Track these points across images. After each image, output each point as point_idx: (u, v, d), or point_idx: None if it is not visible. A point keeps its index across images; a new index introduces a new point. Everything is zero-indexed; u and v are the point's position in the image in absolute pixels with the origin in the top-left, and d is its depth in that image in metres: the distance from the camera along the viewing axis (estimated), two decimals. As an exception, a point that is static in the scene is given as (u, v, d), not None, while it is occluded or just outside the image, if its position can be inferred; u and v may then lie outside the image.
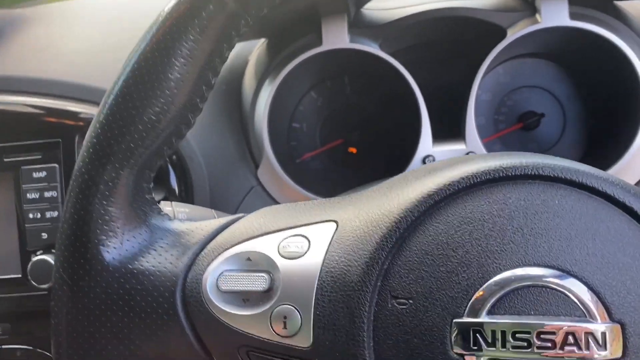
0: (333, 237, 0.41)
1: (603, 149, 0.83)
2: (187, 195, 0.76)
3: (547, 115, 0.88)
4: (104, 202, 0.41)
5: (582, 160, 0.87)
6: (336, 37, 0.80)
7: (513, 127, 0.89)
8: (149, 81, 0.41)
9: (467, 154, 0.81)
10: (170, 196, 0.75)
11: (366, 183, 0.92)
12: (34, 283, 0.69)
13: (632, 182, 0.77)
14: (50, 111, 0.74)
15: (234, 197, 0.79)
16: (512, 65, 0.88)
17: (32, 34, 0.87)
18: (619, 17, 0.79)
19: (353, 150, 0.92)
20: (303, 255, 0.41)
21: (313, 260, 0.40)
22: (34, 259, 0.69)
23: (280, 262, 0.41)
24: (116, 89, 0.41)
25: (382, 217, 0.40)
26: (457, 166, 0.41)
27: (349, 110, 0.91)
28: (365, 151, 0.92)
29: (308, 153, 0.92)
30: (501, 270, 0.36)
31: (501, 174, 0.38)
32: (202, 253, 0.43)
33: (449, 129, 0.85)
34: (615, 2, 0.82)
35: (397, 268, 0.38)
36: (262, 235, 0.43)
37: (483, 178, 0.39)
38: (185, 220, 0.60)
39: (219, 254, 0.43)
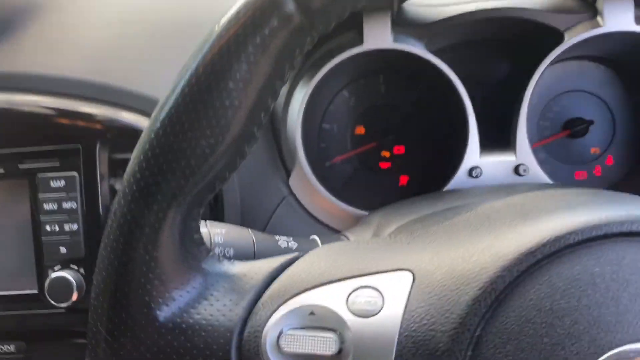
0: (410, 291, 0.36)
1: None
2: (216, 206, 0.71)
3: (596, 122, 0.82)
4: (149, 247, 0.36)
5: (631, 173, 0.82)
6: (379, 35, 0.73)
7: (560, 134, 0.83)
8: (201, 108, 0.35)
9: (518, 166, 0.75)
10: (199, 208, 0.70)
11: (402, 192, 0.87)
12: (51, 301, 0.64)
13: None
14: (66, 113, 0.68)
15: (265, 208, 0.74)
16: (560, 68, 0.82)
17: (44, 25, 0.80)
18: None
19: (386, 154, 0.86)
20: (377, 313, 0.35)
21: (390, 320, 0.35)
22: (52, 275, 0.64)
23: (351, 320, 0.36)
24: (162, 115, 0.36)
25: (472, 273, 0.34)
26: (559, 214, 0.35)
27: (384, 111, 0.85)
28: (401, 157, 0.86)
29: (339, 156, 0.86)
30: (616, 346, 0.31)
31: (615, 230, 0.33)
32: (259, 303, 0.38)
33: (496, 136, 0.79)
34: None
35: (492, 337, 0.33)
36: (326, 284, 0.38)
37: (594, 234, 0.33)
38: (224, 244, 0.55)
39: (279, 306, 0.37)
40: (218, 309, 0.37)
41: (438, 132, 0.84)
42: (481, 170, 0.75)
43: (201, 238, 0.40)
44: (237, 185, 0.70)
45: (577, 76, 0.83)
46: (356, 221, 0.73)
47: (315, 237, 0.62)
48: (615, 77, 0.81)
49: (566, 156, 0.84)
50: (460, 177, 0.76)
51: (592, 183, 0.83)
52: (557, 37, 0.73)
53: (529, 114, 0.82)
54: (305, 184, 0.76)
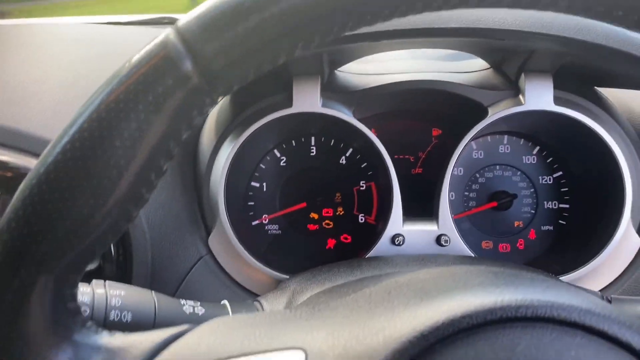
0: None
1: (578, 239, 0.79)
2: (125, 262, 0.67)
3: (520, 196, 0.84)
4: (11, 317, 0.32)
5: (552, 249, 0.84)
6: (308, 99, 0.73)
7: (486, 206, 0.84)
8: (83, 166, 0.32)
9: (439, 236, 0.75)
10: (105, 262, 0.66)
11: (328, 256, 0.85)
12: None
13: (608, 280, 0.73)
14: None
15: (179, 267, 0.70)
16: (487, 142, 0.84)
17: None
18: (602, 105, 0.76)
19: (315, 216, 0.85)
20: None
21: None
22: None
23: None
24: (40, 170, 0.33)
25: (363, 356, 0.32)
26: (456, 295, 0.34)
27: (314, 173, 0.84)
28: (329, 219, 0.85)
29: (266, 215, 0.84)
30: None
31: (509, 315, 0.32)
32: None
33: (420, 203, 0.80)
34: (596, 88, 0.80)
35: None
36: None
37: (488, 318, 0.32)
38: (121, 307, 0.52)
39: None
40: (89, 388, 0.34)
41: (365, 197, 0.83)
42: (404, 238, 0.75)
43: (77, 307, 0.36)
44: (149, 242, 0.67)
45: (504, 151, 0.85)
46: (276, 285, 0.70)
47: (225, 302, 0.59)
48: (539, 152, 0.84)
49: (490, 228, 0.85)
50: (383, 244, 0.75)
51: (515, 256, 0.84)
52: (481, 111, 0.75)
53: (455, 184, 0.84)
54: (226, 244, 0.73)
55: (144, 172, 0.34)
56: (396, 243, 0.75)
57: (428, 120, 0.85)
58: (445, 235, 0.75)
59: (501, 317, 0.32)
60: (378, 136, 0.79)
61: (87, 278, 0.53)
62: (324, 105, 0.74)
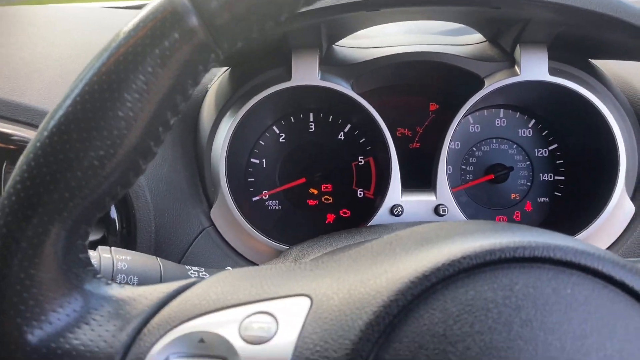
0: (307, 317, 0.34)
1: (573, 209, 0.80)
2: (129, 234, 0.68)
3: (516, 168, 0.85)
4: (26, 264, 0.33)
5: (549, 219, 0.85)
6: (307, 72, 0.74)
7: (483, 179, 0.85)
8: (93, 118, 0.33)
9: (437, 206, 0.76)
10: (109, 234, 0.67)
11: (327, 229, 0.86)
12: None
13: (604, 246, 0.74)
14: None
15: (183, 239, 0.71)
16: (483, 115, 0.85)
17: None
18: (596, 76, 0.77)
19: (314, 191, 0.86)
20: (270, 339, 0.34)
21: (282, 346, 0.33)
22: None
23: (242, 347, 0.34)
24: (52, 124, 0.34)
25: (367, 297, 0.33)
26: (456, 240, 0.35)
27: (313, 148, 0.85)
28: (328, 194, 0.86)
29: (266, 191, 0.85)
30: None
31: (508, 255, 0.33)
32: (146, 329, 0.35)
33: (418, 177, 0.81)
34: (591, 60, 0.81)
35: None
36: (219, 309, 0.36)
37: (487, 259, 0.33)
38: (127, 271, 0.53)
39: (166, 332, 0.35)
40: (99, 335, 0.35)
41: (364, 170, 0.84)
42: (402, 208, 0.76)
43: (88, 259, 0.37)
44: (153, 213, 0.68)
45: (500, 124, 0.86)
46: (277, 255, 0.71)
47: (229, 269, 0.60)
48: (534, 125, 0.85)
49: (487, 200, 0.86)
50: (382, 215, 0.76)
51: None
52: (478, 83, 0.76)
53: (452, 158, 0.85)
54: (228, 216, 0.74)
55: (151, 125, 0.35)
56: (395, 213, 0.76)
57: (425, 95, 0.86)
58: (443, 205, 0.76)
59: (500, 257, 0.33)
60: (378, 111, 0.80)
61: (93, 247, 0.54)
62: (322, 79, 0.75)
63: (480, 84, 0.76)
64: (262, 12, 0.36)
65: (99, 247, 0.54)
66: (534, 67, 0.74)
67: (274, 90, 0.73)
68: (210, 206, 0.75)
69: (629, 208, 0.74)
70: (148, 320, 0.36)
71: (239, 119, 0.73)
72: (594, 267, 0.33)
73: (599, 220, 0.73)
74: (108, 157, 0.34)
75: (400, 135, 0.87)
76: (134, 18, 0.35)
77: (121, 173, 0.35)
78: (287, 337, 0.34)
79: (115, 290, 0.37)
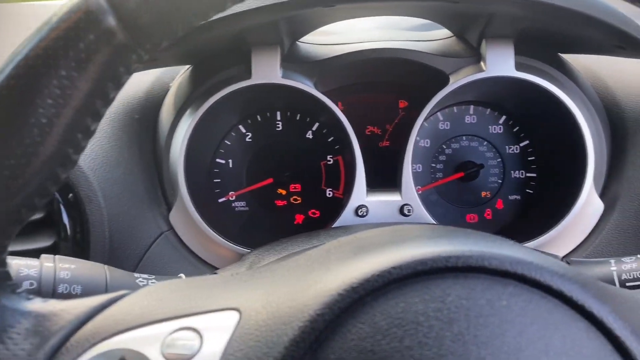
0: (233, 333, 0.32)
1: (544, 207, 0.79)
2: (83, 241, 0.65)
3: (487, 166, 0.84)
4: None
5: (520, 217, 0.83)
6: (267, 70, 0.72)
7: (452, 177, 0.84)
8: (1, 125, 0.31)
9: (403, 206, 0.75)
10: (61, 241, 0.64)
11: (296, 229, 0.84)
12: None
13: (572, 246, 0.73)
14: None
15: (139, 244, 0.69)
16: (453, 112, 0.84)
17: None
18: (564, 71, 0.76)
19: (282, 191, 0.84)
20: (192, 358, 0.32)
21: None
22: None
23: None
24: None
25: (294, 311, 0.32)
26: (389, 249, 0.33)
27: (281, 148, 0.83)
28: (296, 194, 0.84)
29: (233, 192, 0.83)
30: None
31: (440, 265, 0.32)
32: (64, 347, 0.33)
33: (386, 176, 0.79)
34: (561, 54, 0.79)
35: None
36: (143, 325, 0.34)
37: (419, 269, 0.31)
38: (70, 280, 0.51)
39: (85, 350, 0.33)
40: (15, 354, 0.33)
41: (331, 170, 0.83)
42: (367, 209, 0.74)
43: (6, 273, 0.35)
44: (106, 218, 0.66)
45: (470, 121, 0.84)
46: (239, 259, 0.69)
47: (182, 275, 0.58)
48: (505, 121, 0.83)
49: (458, 199, 0.85)
50: (347, 216, 0.75)
51: (483, 226, 0.83)
52: (443, 79, 0.74)
53: (421, 156, 0.83)
54: (187, 219, 0.72)
55: (69, 132, 0.33)
56: (360, 214, 0.74)
57: (394, 92, 0.84)
58: (408, 205, 0.74)
59: (431, 267, 0.31)
60: (345, 110, 0.79)
61: (39, 256, 0.52)
62: (284, 76, 0.73)
63: (445, 81, 0.74)
64: (186, 11, 0.34)
65: (42, 255, 0.52)
66: (500, 63, 0.72)
67: (233, 89, 0.71)
68: (169, 209, 0.73)
69: (598, 205, 0.73)
70: (68, 337, 0.34)
71: (198, 118, 0.71)
72: (531, 277, 0.32)
73: (567, 219, 0.71)
74: (20, 167, 0.32)
75: (369, 133, 0.85)
76: (48, 19, 0.33)
77: (38, 184, 0.33)
78: (210, 354, 0.32)
79: (36, 305, 0.35)
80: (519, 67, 0.72)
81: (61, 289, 0.50)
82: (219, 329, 0.33)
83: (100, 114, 0.34)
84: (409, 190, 0.74)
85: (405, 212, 0.74)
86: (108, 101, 0.34)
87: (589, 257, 0.72)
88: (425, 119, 0.82)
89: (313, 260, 0.36)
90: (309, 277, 0.34)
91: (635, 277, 0.54)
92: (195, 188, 0.73)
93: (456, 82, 0.73)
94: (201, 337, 0.33)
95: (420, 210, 0.74)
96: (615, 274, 0.56)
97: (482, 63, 0.74)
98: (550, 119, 0.75)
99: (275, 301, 0.33)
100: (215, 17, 0.34)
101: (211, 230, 0.71)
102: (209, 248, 0.73)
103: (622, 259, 0.57)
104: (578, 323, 0.31)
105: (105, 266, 0.54)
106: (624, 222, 0.69)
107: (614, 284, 0.55)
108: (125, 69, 0.34)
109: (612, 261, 0.57)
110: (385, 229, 0.38)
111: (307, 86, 0.73)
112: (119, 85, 0.34)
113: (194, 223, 0.71)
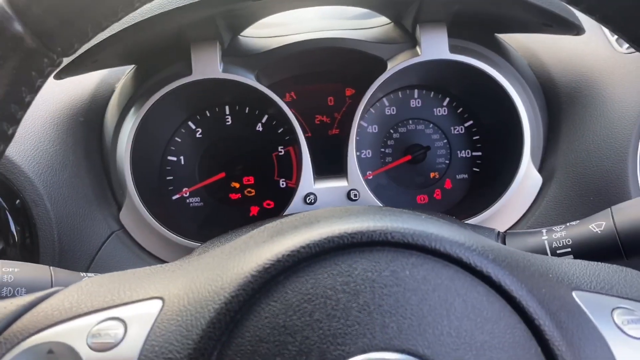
0: (156, 320, 0.34)
1: (487, 184, 0.81)
2: (32, 245, 0.66)
3: (433, 147, 0.86)
4: None
5: (468, 195, 0.86)
6: (207, 66, 0.73)
7: (400, 160, 0.86)
8: None
9: (350, 191, 0.76)
10: (9, 247, 0.65)
11: (251, 221, 0.85)
12: None
13: (514, 219, 0.76)
14: None
15: (90, 245, 0.70)
16: (398, 97, 0.85)
17: None
18: (498, 51, 0.78)
19: (236, 185, 0.85)
20: (116, 345, 0.33)
21: (127, 352, 0.33)
22: None
23: (88, 355, 0.33)
24: None
25: (212, 295, 0.33)
26: (301, 230, 0.35)
27: (232, 142, 0.84)
28: (250, 187, 0.85)
29: (187, 188, 0.84)
30: (344, 358, 0.31)
31: (346, 242, 0.33)
32: None
33: (333, 163, 0.81)
34: (497, 35, 0.82)
35: (228, 359, 0.31)
36: (70, 319, 0.35)
37: (326, 247, 0.33)
38: (14, 284, 0.51)
39: (14, 346, 0.34)
40: (-57, 354, 0.34)
41: (281, 161, 0.84)
42: (315, 196, 0.76)
43: None
44: (54, 220, 0.66)
45: (416, 105, 0.86)
46: None
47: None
48: (449, 103, 0.85)
49: (409, 181, 0.87)
50: (296, 204, 0.76)
51: (434, 206, 0.86)
52: (381, 66, 0.76)
53: (370, 142, 0.85)
54: (137, 217, 0.73)
55: None
56: (308, 202, 0.76)
57: (341, 80, 0.86)
58: (355, 190, 0.76)
59: (338, 244, 0.33)
60: (294, 100, 0.80)
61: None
62: (224, 71, 0.74)
63: (383, 67, 0.76)
64: (93, 13, 0.35)
65: None
66: (434, 46, 0.74)
67: (174, 86, 0.72)
68: (120, 209, 0.74)
69: (537, 179, 0.75)
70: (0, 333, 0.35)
71: (141, 116, 0.72)
72: (431, 247, 0.33)
73: (507, 194, 0.74)
74: None
75: (318, 122, 0.87)
76: None
77: None
78: (134, 341, 0.33)
79: None
80: (453, 49, 0.74)
81: (5, 292, 0.50)
82: (142, 317, 0.34)
83: (17, 118, 0.35)
84: (355, 176, 0.76)
85: (352, 197, 0.76)
86: (24, 105, 0.35)
87: (531, 229, 0.74)
88: (372, 105, 0.85)
89: (235, 247, 0.38)
90: (228, 263, 0.35)
91: (564, 244, 0.57)
92: (145, 186, 0.74)
93: (393, 67, 0.74)
94: (125, 325, 0.34)
95: (366, 194, 0.76)
96: (546, 242, 0.58)
97: (417, 48, 0.76)
98: (489, 98, 0.77)
99: (197, 287, 0.35)
100: (125, 16, 0.35)
101: (162, 227, 0.72)
102: (161, 245, 0.74)
103: (553, 228, 0.59)
104: (478, 287, 0.33)
105: (51, 267, 0.54)
106: (561, 193, 0.72)
107: (546, 253, 0.58)
108: (37, 73, 0.35)
109: (544, 231, 0.59)
110: (305, 213, 0.40)
111: (248, 79, 0.74)
112: (33, 89, 0.35)
113: (145, 221, 0.72)
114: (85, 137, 0.75)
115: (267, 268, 0.33)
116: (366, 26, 0.82)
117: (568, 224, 0.59)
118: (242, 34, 0.80)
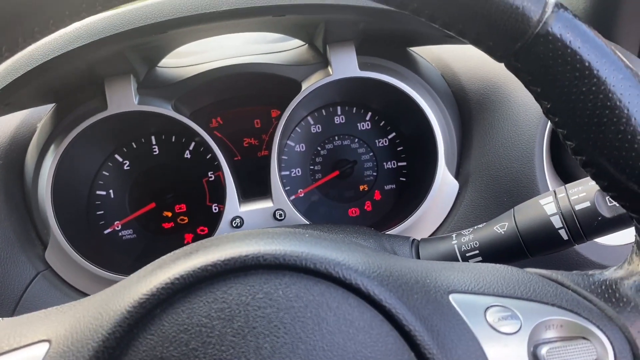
0: None
1: (412, 192, 0.84)
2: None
3: (360, 161, 0.88)
4: None
5: (394, 208, 0.88)
6: (122, 99, 0.74)
7: (329, 177, 0.88)
8: None
9: (275, 211, 0.78)
10: None
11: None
12: None
13: (435, 225, 0.78)
14: None
15: (14, 288, 0.69)
16: (322, 115, 0.88)
17: None
18: (408, 64, 0.81)
19: (168, 214, 0.86)
20: None
21: None
22: None
23: None
24: None
25: (92, 333, 0.34)
26: (179, 261, 0.36)
27: (160, 171, 0.85)
28: (182, 214, 0.86)
29: (118, 222, 0.84)
30: None
31: (219, 269, 0.34)
32: None
33: (258, 185, 0.82)
34: (409, 48, 0.85)
35: None
36: None
37: (199, 276, 0.34)
38: None
39: None
40: None
41: (209, 187, 0.85)
42: (242, 219, 0.77)
43: None
44: None
45: (339, 121, 0.88)
46: None
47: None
48: (372, 118, 0.88)
49: (339, 196, 0.89)
50: (223, 229, 0.77)
51: (365, 218, 0.88)
52: (296, 87, 0.78)
53: (299, 160, 0.87)
54: (63, 255, 0.72)
55: None
56: (235, 225, 0.77)
57: (264, 103, 0.87)
58: (280, 209, 0.78)
59: (212, 272, 0.34)
60: (221, 125, 0.81)
61: None
62: (141, 103, 0.75)
63: (298, 88, 0.78)
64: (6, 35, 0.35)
65: None
66: (344, 65, 0.76)
67: (91, 122, 0.72)
68: (45, 248, 0.73)
69: (453, 185, 0.78)
70: None
71: (60, 154, 0.72)
72: (302, 265, 0.35)
73: (426, 201, 0.76)
74: None
75: (247, 145, 0.88)
76: None
77: None
78: None
79: None
80: (363, 66, 0.77)
81: None
82: None
83: None
84: (280, 196, 0.77)
85: (278, 217, 0.78)
86: None
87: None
88: (297, 125, 0.86)
89: (123, 283, 0.39)
90: (110, 300, 0.36)
91: (471, 247, 0.59)
92: (72, 223, 0.74)
93: (307, 89, 0.76)
94: None
95: (292, 214, 0.78)
96: (456, 247, 0.60)
97: (329, 67, 0.78)
98: (403, 110, 0.80)
99: (80, 327, 0.35)
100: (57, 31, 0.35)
101: (89, 264, 0.72)
102: (91, 282, 0.74)
103: (462, 232, 0.62)
104: (349, 300, 0.35)
105: None
106: (476, 197, 0.75)
107: (457, 258, 0.60)
108: None
109: (454, 235, 0.62)
110: (194, 244, 0.41)
111: (165, 109, 0.75)
112: None
113: (71, 259, 0.72)
114: (5, 180, 0.74)
115: (142, 303, 0.34)
116: (283, 49, 0.84)
117: (475, 227, 0.61)
118: (159, 64, 0.81)
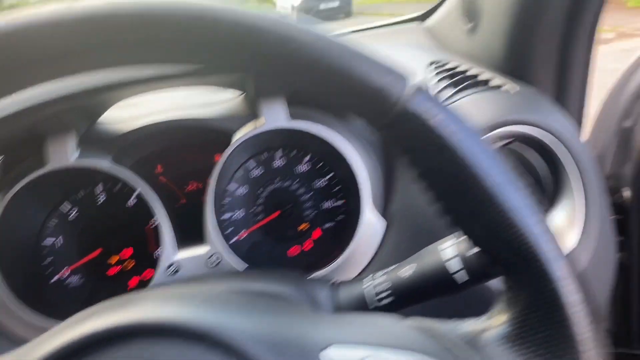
0: None
1: (343, 232, 0.88)
2: None
3: (299, 201, 0.92)
4: None
5: (332, 244, 0.92)
6: (62, 156, 0.77)
7: (270, 217, 0.91)
8: None
9: (211, 256, 0.81)
10: None
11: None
12: None
13: (363, 264, 0.82)
14: None
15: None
16: (262, 158, 0.92)
17: None
18: (334, 113, 0.85)
19: (114, 258, 0.89)
20: None
21: None
22: None
23: None
24: None
25: None
26: (60, 332, 0.39)
27: (106, 219, 0.88)
28: (128, 259, 0.89)
29: (65, 269, 0.87)
30: None
31: (93, 340, 0.38)
32: None
33: (199, 230, 0.86)
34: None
35: None
36: None
37: (71, 349, 0.37)
38: None
39: None
40: None
41: (151, 234, 0.88)
42: (179, 265, 0.80)
43: None
44: None
45: (278, 164, 0.92)
46: None
47: None
48: (310, 160, 0.92)
49: (281, 235, 0.92)
50: (160, 276, 0.80)
51: (304, 257, 0.92)
52: (229, 139, 0.82)
53: (242, 203, 0.91)
54: (8, 309, 0.75)
55: None
56: (171, 272, 0.80)
57: (209, 150, 0.92)
58: (216, 254, 0.81)
59: (86, 345, 0.38)
60: (165, 170, 0.84)
61: None
62: (81, 157, 0.78)
63: (229, 140, 0.82)
64: None
65: None
66: (275, 116, 0.81)
67: (30, 179, 0.76)
68: (-12, 301, 0.76)
69: (381, 224, 0.82)
70: None
71: (2, 209, 0.75)
72: (177, 328, 0.38)
73: (354, 241, 0.80)
74: None
75: (191, 189, 0.92)
76: None
77: None
78: None
79: None
80: (294, 116, 0.81)
81: None
82: None
83: None
84: (215, 240, 0.81)
85: (211, 263, 0.81)
86: None
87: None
88: (240, 167, 0.90)
89: (21, 348, 0.42)
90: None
91: (383, 289, 0.63)
92: (15, 277, 0.76)
93: (238, 140, 0.81)
94: None
95: (228, 257, 0.81)
96: (370, 289, 0.64)
97: (262, 118, 0.82)
98: (334, 155, 0.85)
99: None
100: None
101: (33, 315, 0.74)
102: (35, 332, 0.76)
103: (377, 274, 0.65)
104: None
105: None
106: (400, 236, 0.79)
107: (371, 300, 0.63)
108: None
109: (370, 276, 0.65)
110: (94, 307, 0.44)
111: (103, 163, 0.79)
112: None
113: (16, 311, 0.74)
114: None
115: None
116: (220, 100, 0.88)
117: (389, 269, 0.65)
118: (100, 119, 0.85)
